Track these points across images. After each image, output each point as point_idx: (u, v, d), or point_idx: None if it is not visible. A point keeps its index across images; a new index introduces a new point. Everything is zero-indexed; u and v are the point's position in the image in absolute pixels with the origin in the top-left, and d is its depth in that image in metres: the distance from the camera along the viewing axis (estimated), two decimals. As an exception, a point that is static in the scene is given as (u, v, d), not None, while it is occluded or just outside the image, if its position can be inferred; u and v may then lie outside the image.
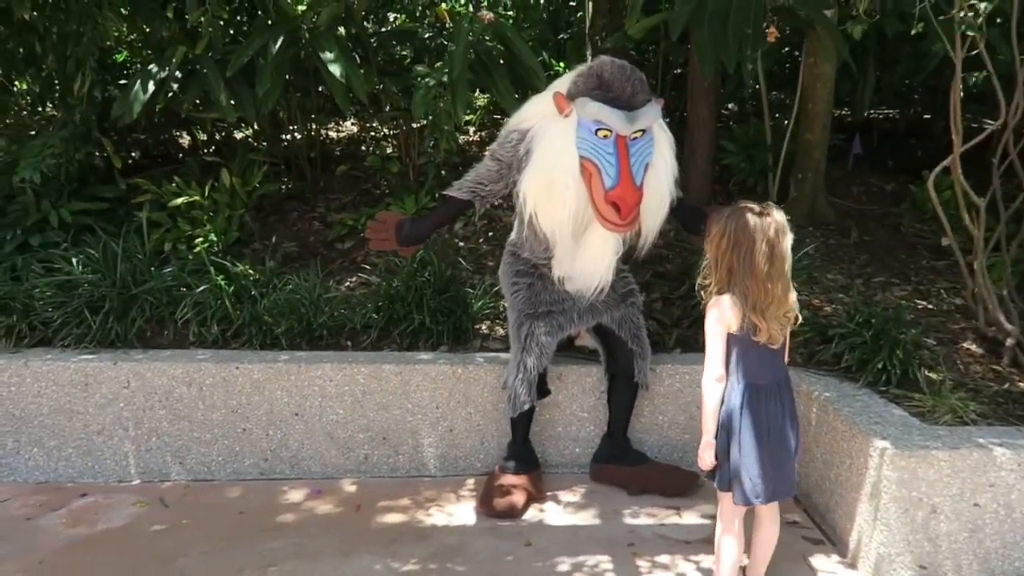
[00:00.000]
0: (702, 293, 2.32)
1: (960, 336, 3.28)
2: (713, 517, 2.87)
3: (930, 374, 2.95)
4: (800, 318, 2.32)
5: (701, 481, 2.97)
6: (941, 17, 3.02)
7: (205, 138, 5.33)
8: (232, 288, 3.56)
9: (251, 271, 3.74)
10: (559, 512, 2.96)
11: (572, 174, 2.65)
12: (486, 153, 2.98)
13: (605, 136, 2.61)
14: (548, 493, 3.08)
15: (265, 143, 5.09)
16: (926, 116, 5.93)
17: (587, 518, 2.92)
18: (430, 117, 4.16)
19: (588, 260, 2.86)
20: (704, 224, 3.21)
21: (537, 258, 2.97)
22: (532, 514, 2.95)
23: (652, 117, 2.69)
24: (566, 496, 3.08)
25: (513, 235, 3.12)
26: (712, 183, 4.54)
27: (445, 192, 3.01)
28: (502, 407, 3.25)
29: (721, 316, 2.23)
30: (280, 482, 3.20)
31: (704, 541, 2.74)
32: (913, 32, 3.22)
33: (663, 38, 4.85)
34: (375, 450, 3.24)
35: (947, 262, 3.99)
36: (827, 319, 3.36)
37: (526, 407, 2.95)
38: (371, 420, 3.22)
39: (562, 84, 2.76)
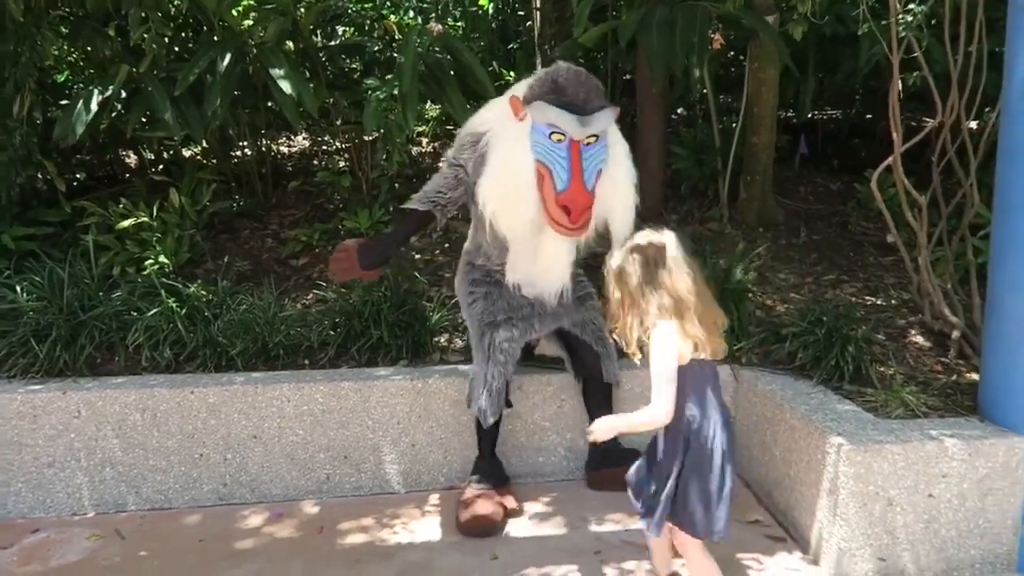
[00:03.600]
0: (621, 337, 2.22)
1: (908, 330, 3.37)
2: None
3: (881, 369, 3.02)
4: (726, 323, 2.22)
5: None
6: (884, 22, 3.10)
7: (152, 157, 5.22)
8: (184, 310, 3.48)
9: (203, 292, 3.66)
10: (524, 524, 2.96)
11: (528, 177, 2.67)
12: (442, 161, 2.98)
13: (559, 140, 2.63)
14: (514, 506, 3.06)
15: (214, 160, 5.01)
16: (867, 116, 6.08)
17: (553, 528, 2.92)
18: (382, 130, 4.15)
19: (545, 264, 2.88)
20: None
21: (492, 265, 2.98)
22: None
23: (605, 122, 2.71)
24: (531, 507, 3.08)
25: (468, 243, 3.12)
26: (664, 187, 4.59)
27: (405, 206, 3.00)
28: (464, 420, 3.24)
29: (667, 343, 2.10)
30: (240, 507, 3.14)
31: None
32: (859, 33, 3.29)
33: (612, 46, 4.89)
34: (336, 470, 3.20)
35: (893, 258, 4.09)
36: (779, 319, 3.42)
37: (493, 419, 2.94)
38: (331, 439, 3.18)
39: (519, 89, 2.79)
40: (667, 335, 2.08)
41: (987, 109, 3.73)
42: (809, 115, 5.59)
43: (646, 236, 2.21)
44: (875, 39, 4.35)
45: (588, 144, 2.67)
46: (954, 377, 3.00)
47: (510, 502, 2.99)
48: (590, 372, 3.11)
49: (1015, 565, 2.54)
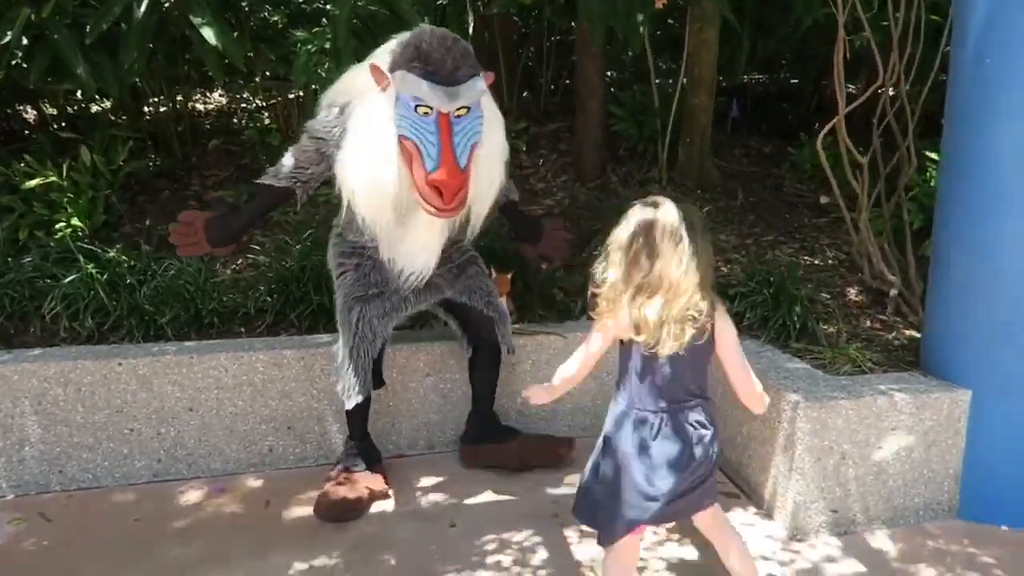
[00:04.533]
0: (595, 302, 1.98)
1: (848, 289, 3.46)
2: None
3: (826, 327, 3.09)
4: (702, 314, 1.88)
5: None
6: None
7: (55, 112, 4.83)
8: (105, 276, 3.25)
9: (125, 257, 3.42)
10: (479, 490, 2.90)
11: (390, 155, 2.43)
12: (302, 133, 2.71)
13: (425, 113, 2.38)
14: (462, 472, 3.01)
15: (125, 117, 4.68)
16: (793, 81, 6.20)
17: (509, 493, 2.88)
18: (314, 86, 3.94)
19: (414, 246, 2.68)
20: (538, 235, 3.18)
21: (365, 240, 2.76)
22: (454, 493, 2.87)
23: (476, 93, 2.44)
24: (485, 473, 3.03)
25: (339, 216, 2.87)
26: (604, 150, 4.56)
27: (260, 181, 2.76)
28: (412, 386, 3.15)
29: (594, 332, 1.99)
30: (177, 483, 2.97)
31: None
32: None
33: (548, 3, 4.79)
34: (280, 441, 3.06)
35: (827, 219, 4.19)
36: (725, 279, 3.45)
37: (360, 398, 2.74)
38: (273, 410, 3.04)
39: (381, 56, 2.53)
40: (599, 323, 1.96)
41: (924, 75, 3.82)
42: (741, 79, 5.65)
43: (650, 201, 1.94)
44: (810, 2, 4.45)
45: (459, 116, 2.42)
46: (893, 334, 3.10)
47: (379, 483, 2.80)
48: (483, 340, 2.97)
49: (955, 511, 2.66)
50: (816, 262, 3.75)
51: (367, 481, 2.78)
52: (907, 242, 3.42)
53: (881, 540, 2.57)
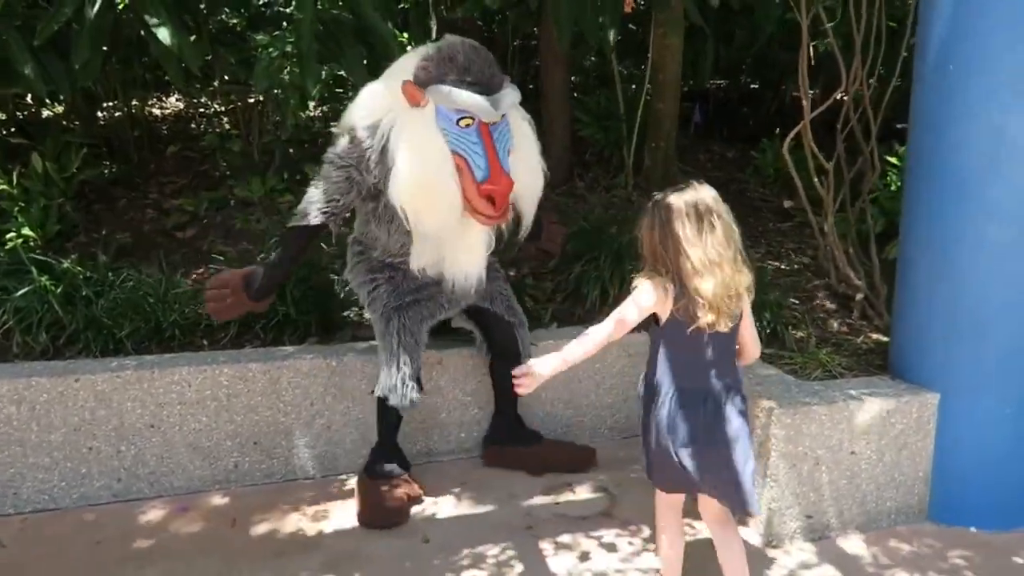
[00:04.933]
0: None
1: (815, 293, 3.49)
2: (605, 490, 2.91)
3: (796, 332, 3.11)
4: (750, 294, 2.02)
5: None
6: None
7: (4, 117, 4.66)
8: (60, 289, 3.13)
9: (80, 268, 3.30)
10: (452, 503, 2.86)
11: (448, 170, 2.47)
12: (325, 164, 2.64)
13: (467, 125, 2.46)
14: (434, 485, 2.96)
15: (78, 122, 4.54)
16: (753, 86, 6.27)
17: (482, 505, 2.84)
18: (276, 92, 3.87)
19: (461, 257, 2.71)
20: (538, 230, 3.06)
21: (391, 257, 2.80)
22: (425, 508, 2.82)
23: (514, 98, 2.56)
24: (457, 486, 2.98)
25: (357, 233, 2.89)
26: (570, 154, 4.54)
27: (293, 224, 2.68)
28: (383, 398, 3.09)
29: (640, 295, 1.96)
30: (139, 503, 2.87)
31: (601, 515, 2.75)
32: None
33: (513, 7, 4.77)
34: (245, 457, 2.98)
35: (791, 224, 4.24)
36: (695, 285, 3.46)
37: (416, 399, 2.75)
38: (239, 425, 2.95)
39: (405, 71, 2.53)
40: (647, 288, 1.96)
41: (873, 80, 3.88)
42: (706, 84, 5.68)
43: (683, 186, 1.99)
44: (771, 8, 4.50)
45: (494, 124, 2.51)
46: (861, 338, 3.13)
47: (414, 489, 2.84)
48: (502, 347, 2.98)
49: (925, 514, 2.69)
50: (782, 266, 3.78)
51: (407, 486, 2.80)
52: (871, 246, 3.47)
53: (855, 545, 2.58)
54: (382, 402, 2.78)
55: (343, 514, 2.78)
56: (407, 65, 2.54)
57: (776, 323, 3.06)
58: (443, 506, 2.83)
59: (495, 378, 3.06)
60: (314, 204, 2.62)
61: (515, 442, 3.04)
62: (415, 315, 2.77)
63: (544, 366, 1.99)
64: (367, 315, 2.98)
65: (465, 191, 2.50)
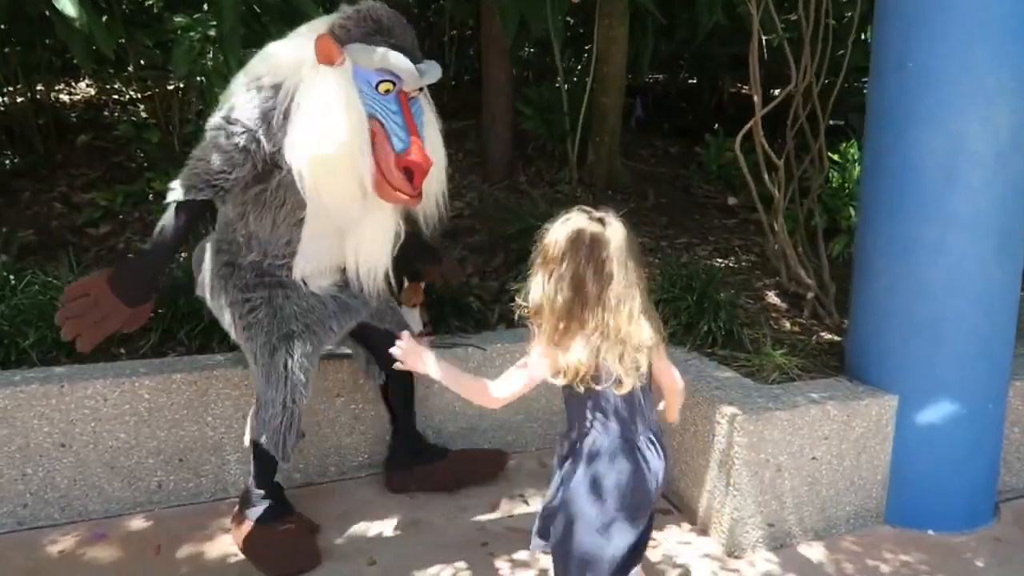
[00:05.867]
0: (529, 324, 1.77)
1: (765, 292, 3.44)
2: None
3: (749, 332, 3.05)
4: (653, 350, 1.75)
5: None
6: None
7: None
8: (-46, 293, 2.81)
9: (-22, 269, 2.98)
10: (399, 519, 2.68)
11: (365, 137, 2.16)
12: (210, 130, 2.22)
13: (387, 91, 2.18)
14: (378, 499, 2.78)
15: (-26, 108, 4.15)
16: (691, 81, 6.25)
17: (432, 522, 2.67)
18: (200, 78, 3.60)
19: (365, 248, 2.36)
20: (433, 261, 2.86)
21: (272, 258, 2.37)
22: (372, 525, 2.64)
23: (438, 73, 2.30)
24: (402, 500, 2.80)
25: (220, 236, 2.39)
26: (512, 148, 4.40)
27: (172, 199, 2.24)
28: (322, 408, 2.89)
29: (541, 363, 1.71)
30: (48, 530, 2.59)
31: (557, 528, 2.61)
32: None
33: (450, -5, 4.60)
34: (170, 476, 2.73)
35: (736, 220, 4.20)
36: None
37: (292, 454, 2.41)
38: (162, 441, 2.70)
39: (318, 28, 2.20)
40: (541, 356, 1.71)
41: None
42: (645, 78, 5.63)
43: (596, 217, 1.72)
44: (714, 2, 4.45)
45: (412, 99, 2.26)
46: (814, 337, 3.09)
47: (311, 523, 2.57)
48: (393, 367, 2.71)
49: (883, 517, 2.66)
50: (730, 264, 3.73)
51: (303, 523, 2.51)
52: (819, 244, 3.44)
53: (816, 552, 2.52)
54: (256, 445, 2.42)
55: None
56: (318, 26, 2.22)
57: (731, 324, 2.99)
58: (390, 524, 2.65)
59: (390, 400, 2.82)
60: (200, 175, 2.19)
61: (420, 461, 2.80)
62: (303, 347, 2.34)
63: (432, 364, 1.77)
64: (235, 341, 2.46)
65: (379, 162, 2.18)
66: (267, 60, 2.25)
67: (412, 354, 1.77)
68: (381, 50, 2.16)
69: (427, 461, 2.80)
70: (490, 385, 1.76)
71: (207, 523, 2.63)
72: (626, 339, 1.67)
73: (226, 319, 2.43)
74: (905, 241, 2.48)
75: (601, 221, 1.71)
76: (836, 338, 3.08)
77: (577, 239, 1.68)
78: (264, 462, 2.44)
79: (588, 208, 1.76)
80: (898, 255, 2.51)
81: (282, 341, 2.33)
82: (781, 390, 2.60)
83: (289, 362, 2.33)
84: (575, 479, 1.76)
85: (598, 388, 1.69)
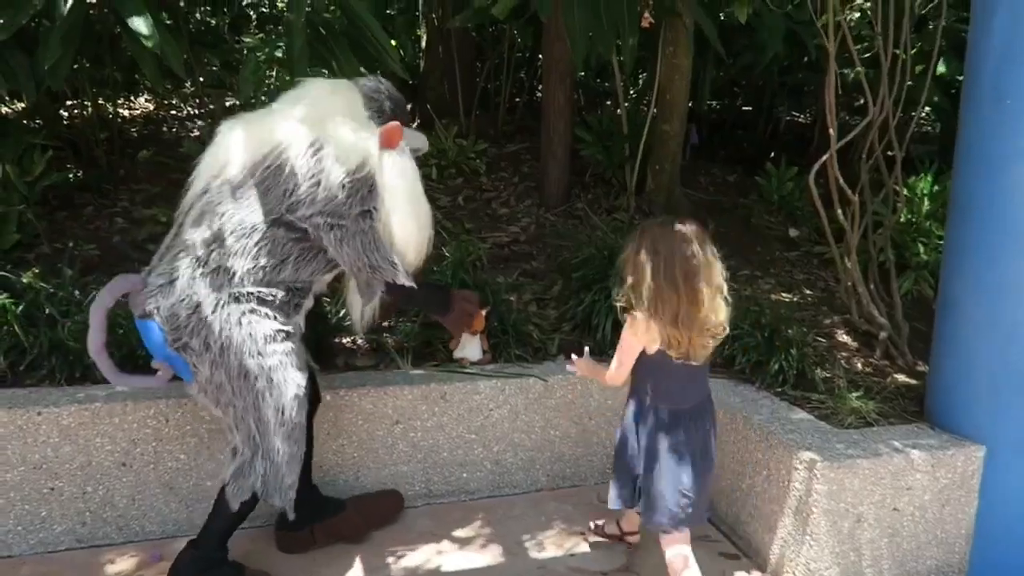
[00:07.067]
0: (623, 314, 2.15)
1: (835, 330, 3.33)
2: (620, 538, 2.68)
3: (822, 372, 2.94)
4: (727, 330, 2.13)
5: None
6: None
7: (-41, 115, 4.31)
8: (21, 307, 2.81)
9: (44, 284, 2.99)
10: (456, 553, 2.62)
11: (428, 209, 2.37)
12: (362, 220, 2.20)
13: None
14: (435, 531, 2.72)
15: (39, 122, 4.20)
16: (746, 108, 6.17)
17: (489, 556, 2.60)
18: (263, 98, 3.61)
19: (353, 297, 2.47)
20: (440, 310, 2.68)
21: (295, 298, 2.30)
22: (426, 555, 2.58)
23: None
24: (459, 531, 2.74)
25: (250, 278, 2.17)
26: (570, 174, 4.34)
27: (410, 284, 2.30)
28: (379, 434, 2.84)
29: (635, 331, 2.11)
30: (105, 550, 2.57)
31: (621, 570, 2.53)
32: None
33: (512, 18, 4.56)
34: (227, 498, 2.70)
35: (798, 253, 4.09)
36: (709, 317, 3.28)
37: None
38: (221, 464, 2.66)
39: (353, 107, 2.25)
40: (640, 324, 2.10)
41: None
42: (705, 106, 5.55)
43: (669, 221, 2.11)
44: (776, 28, 4.38)
45: None
46: (888, 379, 2.98)
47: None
48: (315, 397, 2.57)
49: (966, 573, 2.53)
50: (795, 299, 3.62)
51: None
52: (892, 281, 3.33)
53: (896, 607, 2.41)
54: (250, 499, 2.26)
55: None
56: (348, 101, 2.26)
57: (803, 363, 2.89)
58: (447, 557, 2.58)
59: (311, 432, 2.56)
60: (391, 254, 2.26)
61: (323, 514, 2.58)
62: (307, 385, 2.28)
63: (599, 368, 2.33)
64: (229, 386, 2.21)
65: None
66: (357, 150, 2.18)
67: (585, 366, 2.36)
68: (408, 131, 2.32)
69: (331, 513, 2.60)
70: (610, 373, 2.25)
71: (263, 547, 2.59)
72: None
73: (246, 350, 2.18)
74: (999, 285, 2.37)
75: (683, 223, 2.08)
76: (912, 381, 2.96)
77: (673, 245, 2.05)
78: (229, 516, 2.28)
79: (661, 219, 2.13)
80: (989, 298, 2.40)
81: (301, 388, 2.24)
82: (860, 436, 2.50)
83: (300, 405, 2.23)
84: None
85: None
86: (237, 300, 2.16)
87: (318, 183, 2.14)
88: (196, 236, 2.20)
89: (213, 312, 2.14)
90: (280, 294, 2.21)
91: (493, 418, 2.93)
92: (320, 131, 2.17)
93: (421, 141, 2.44)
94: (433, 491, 2.92)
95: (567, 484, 3.03)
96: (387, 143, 2.22)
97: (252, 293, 2.17)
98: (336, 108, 2.24)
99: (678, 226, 2.05)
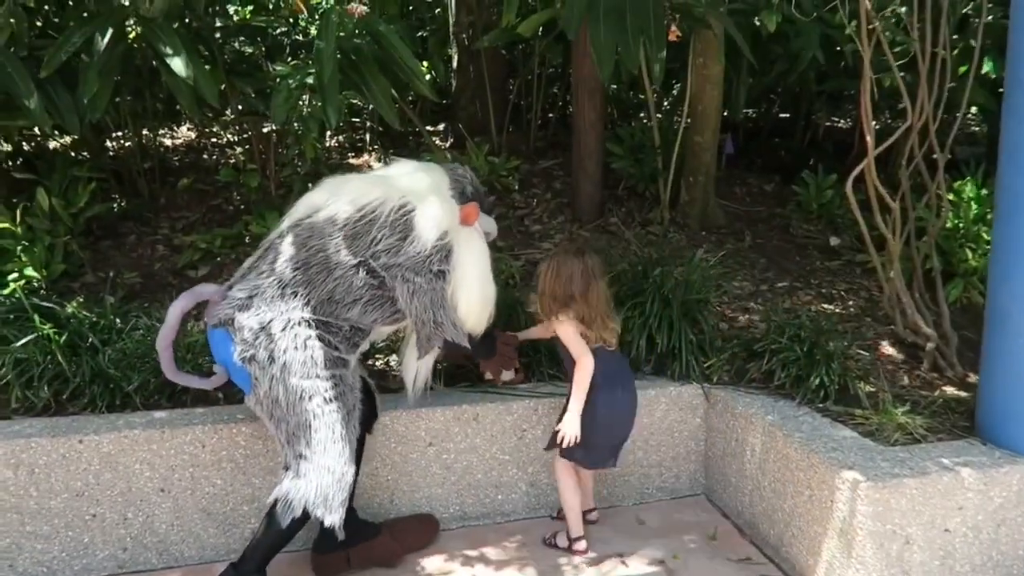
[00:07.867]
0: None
1: (879, 342, 3.23)
2: (661, 562, 2.63)
3: (865, 386, 2.85)
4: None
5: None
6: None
7: (9, 149, 4.45)
8: (64, 337, 2.88)
9: (86, 313, 3.06)
10: (492, 574, 2.59)
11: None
12: (437, 280, 2.44)
13: None
14: (470, 553, 2.70)
15: (85, 154, 4.32)
16: (783, 116, 6.05)
17: (526, 581, 2.57)
18: (296, 124, 3.66)
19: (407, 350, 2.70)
20: (485, 354, 2.86)
21: (354, 340, 2.51)
22: (463, 581, 2.56)
23: None
24: (494, 553, 2.71)
25: (317, 317, 2.37)
26: (602, 188, 4.31)
27: (480, 335, 2.62)
28: (414, 457, 2.83)
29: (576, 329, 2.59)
30: (146, 575, 2.61)
31: (659, 593, 2.47)
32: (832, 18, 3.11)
33: (539, 36, 4.57)
34: (264, 523, 2.71)
35: (839, 262, 3.99)
36: (747, 333, 3.20)
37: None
38: (257, 489, 2.69)
39: (445, 188, 2.53)
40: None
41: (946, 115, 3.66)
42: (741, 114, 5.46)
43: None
44: (812, 35, 4.29)
45: None
46: (936, 392, 2.87)
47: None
48: (370, 421, 2.68)
49: (1025, 596, 2.42)
50: (837, 310, 3.52)
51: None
52: (938, 290, 3.22)
53: (950, 633, 2.31)
54: (301, 517, 2.33)
55: None
56: (437, 180, 2.54)
57: (845, 377, 2.80)
58: (482, 580, 2.56)
59: (360, 459, 2.65)
60: (454, 318, 2.52)
61: (359, 538, 2.60)
62: (357, 413, 2.47)
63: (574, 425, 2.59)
64: (293, 415, 2.35)
65: None
66: (439, 223, 2.43)
67: (572, 429, 2.57)
68: (484, 216, 2.59)
69: (367, 537, 2.62)
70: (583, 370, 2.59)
71: (301, 572, 2.59)
72: None
73: (306, 390, 2.34)
74: (1049, 292, 2.27)
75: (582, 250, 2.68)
76: (962, 394, 2.85)
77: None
78: (280, 533, 2.35)
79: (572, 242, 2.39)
80: (1040, 308, 2.30)
81: (351, 413, 2.44)
82: (907, 453, 2.40)
83: (351, 431, 2.41)
84: None
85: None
86: (306, 325, 2.35)
87: (404, 238, 2.39)
88: (282, 262, 2.39)
89: (282, 331, 2.33)
90: (345, 328, 2.42)
91: (527, 439, 2.90)
92: (413, 197, 2.44)
93: (493, 227, 2.69)
94: (467, 513, 2.89)
95: (604, 504, 2.98)
96: (465, 220, 2.50)
97: (321, 321, 2.37)
98: (427, 183, 2.51)
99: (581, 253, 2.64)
